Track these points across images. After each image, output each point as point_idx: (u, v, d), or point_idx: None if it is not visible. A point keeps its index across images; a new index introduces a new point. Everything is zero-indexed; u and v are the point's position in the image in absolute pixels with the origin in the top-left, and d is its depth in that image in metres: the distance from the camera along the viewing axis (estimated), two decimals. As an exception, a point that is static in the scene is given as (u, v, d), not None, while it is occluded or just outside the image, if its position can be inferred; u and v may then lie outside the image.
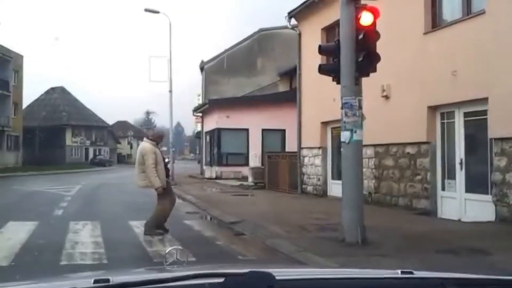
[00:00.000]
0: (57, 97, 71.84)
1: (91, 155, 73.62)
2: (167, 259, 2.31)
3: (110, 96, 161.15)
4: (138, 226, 11.01)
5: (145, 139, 10.54)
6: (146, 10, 29.53)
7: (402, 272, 1.99)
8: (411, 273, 1.99)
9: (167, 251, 2.38)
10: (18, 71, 55.25)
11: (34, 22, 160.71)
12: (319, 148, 18.02)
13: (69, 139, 69.29)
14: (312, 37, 17.51)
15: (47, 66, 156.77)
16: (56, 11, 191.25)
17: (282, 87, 31.01)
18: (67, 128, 68.74)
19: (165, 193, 10.25)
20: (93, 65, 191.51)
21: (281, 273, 1.87)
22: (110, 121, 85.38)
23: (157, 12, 29.61)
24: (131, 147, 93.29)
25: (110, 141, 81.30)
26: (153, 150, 9.93)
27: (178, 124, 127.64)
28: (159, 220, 10.17)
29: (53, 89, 73.53)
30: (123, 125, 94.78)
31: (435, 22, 12.68)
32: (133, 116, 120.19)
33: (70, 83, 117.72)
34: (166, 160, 11.42)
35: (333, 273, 2.22)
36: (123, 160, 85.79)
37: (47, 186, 24.53)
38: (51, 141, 62.39)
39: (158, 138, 10.43)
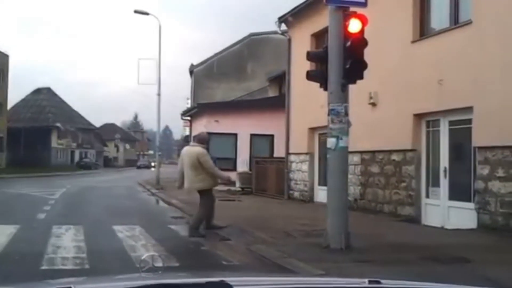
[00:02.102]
0: (44, 98, 70.56)
1: (77, 158, 72.91)
2: (142, 266, 2.29)
3: (98, 98, 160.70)
4: (121, 231, 10.95)
5: (193, 143, 11.24)
6: (136, 11, 29.47)
7: (369, 282, 1.97)
8: (378, 282, 1.97)
9: (142, 258, 2.36)
10: (3, 70, 54.68)
11: (23, 22, 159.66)
12: (307, 154, 18.08)
13: (54, 141, 68.09)
14: (301, 43, 17.58)
15: (34, 67, 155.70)
16: (46, 11, 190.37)
17: (272, 92, 31.04)
18: (53, 130, 67.60)
19: (209, 196, 10.85)
20: (81, 66, 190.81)
21: (240, 282, 1.85)
22: (98, 123, 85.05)
23: (147, 14, 29.58)
24: (118, 150, 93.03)
25: (96, 144, 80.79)
26: (207, 153, 10.72)
27: (167, 128, 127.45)
28: (201, 222, 10.70)
29: (39, 90, 72.23)
30: (110, 128, 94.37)
31: (423, 31, 12.80)
32: (121, 119, 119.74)
33: (58, 84, 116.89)
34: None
35: (297, 282, 2.20)
36: (110, 163, 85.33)
37: (31, 189, 24.27)
38: (37, 143, 61.31)
39: (205, 141, 11.07)
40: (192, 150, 10.86)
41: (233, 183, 10.77)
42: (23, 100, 70.21)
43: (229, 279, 1.74)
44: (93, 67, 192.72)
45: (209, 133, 28.81)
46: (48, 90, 73.04)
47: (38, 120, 66.18)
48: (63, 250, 8.81)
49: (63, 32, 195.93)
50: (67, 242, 9.61)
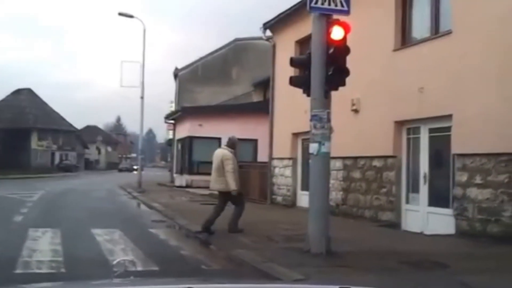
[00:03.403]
0: (24, 99, 68.93)
1: (57, 160, 71.88)
2: (115, 270, 2.30)
3: (80, 100, 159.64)
4: (100, 234, 10.85)
5: (223, 146, 11.70)
6: (120, 14, 29.34)
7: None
8: None
9: (115, 262, 2.36)
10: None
11: (4, 21, 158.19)
12: (290, 159, 18.17)
13: (34, 143, 66.88)
14: (286, 49, 17.70)
15: (15, 67, 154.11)
16: (28, 11, 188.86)
17: (256, 97, 31.11)
18: (32, 131, 66.33)
19: (242, 197, 11.42)
20: (64, 67, 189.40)
21: None
22: (80, 125, 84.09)
23: (132, 16, 29.48)
24: (100, 153, 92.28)
25: (78, 146, 79.84)
26: (232, 157, 11.01)
27: (150, 131, 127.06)
28: (238, 219, 11.13)
29: (19, 90, 70.55)
30: (92, 130, 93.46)
31: (405, 39, 12.99)
32: (103, 121, 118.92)
33: (39, 85, 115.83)
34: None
35: None
36: (91, 166, 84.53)
37: (9, 191, 23.94)
38: (16, 144, 60.11)
39: (234, 145, 11.38)
40: (220, 152, 11.34)
41: (236, 193, 11.10)
42: (3, 101, 68.20)
43: (196, 286, 1.76)
44: (76, 69, 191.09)
45: (192, 137, 29.33)
46: (29, 91, 71.49)
47: (18, 121, 64.49)
48: (39, 254, 8.72)
49: (46, 33, 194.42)
50: (43, 246, 9.51)
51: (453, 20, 11.21)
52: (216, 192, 11.87)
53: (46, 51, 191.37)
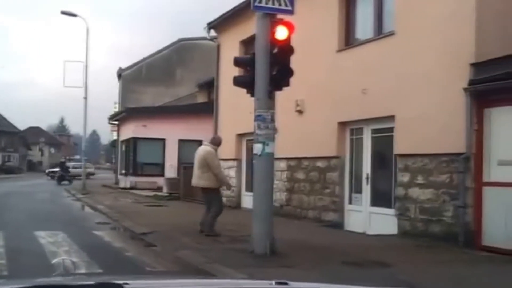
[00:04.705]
0: (-37, 99, 67.78)
1: (-1, 162, 70.20)
2: (55, 270, 2.23)
3: (22, 101, 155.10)
4: (44, 237, 10.66)
5: (205, 143, 11.82)
6: (63, 12, 28.69)
7: (276, 283, 1.99)
8: (285, 284, 2.00)
9: (52, 262, 2.31)
10: None
11: None
12: (234, 160, 18.11)
13: (-25, 145, 65.52)
14: (230, 49, 17.62)
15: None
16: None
17: (201, 99, 31.00)
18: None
19: (219, 196, 11.38)
20: (3, 66, 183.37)
21: (136, 284, 1.81)
22: (22, 126, 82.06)
23: (74, 15, 28.88)
24: (43, 154, 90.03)
25: (21, 148, 77.88)
26: (215, 154, 11.22)
27: (94, 132, 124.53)
28: (215, 220, 10.98)
29: (-42, 91, 69.32)
30: (35, 131, 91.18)
31: (348, 40, 13.11)
32: (46, 122, 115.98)
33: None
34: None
35: (201, 284, 2.17)
36: (34, 167, 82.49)
37: None
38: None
39: (217, 143, 11.55)
40: (202, 149, 11.43)
41: (231, 188, 11.12)
42: None
43: (124, 282, 1.71)
44: (16, 68, 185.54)
45: (136, 138, 28.92)
46: (-32, 91, 69.82)
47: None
48: (-20, 257, 8.46)
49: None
50: (-15, 249, 9.24)
51: (396, 21, 11.37)
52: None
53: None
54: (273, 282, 2.01)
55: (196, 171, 11.31)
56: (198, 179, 11.24)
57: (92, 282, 1.69)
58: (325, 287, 2.05)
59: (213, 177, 11.02)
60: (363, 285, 2.21)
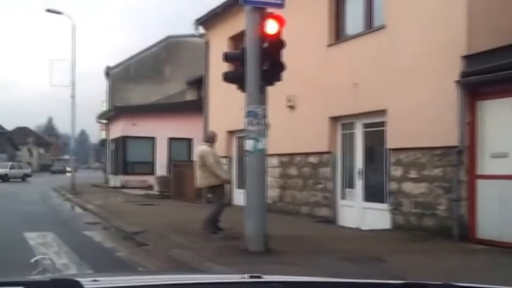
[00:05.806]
0: (-51, 99, 67.09)
1: (-14, 163, 69.54)
2: (35, 268, 2.16)
3: (9, 101, 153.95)
4: (33, 238, 10.53)
5: (201, 142, 11.86)
6: (48, 10, 28.40)
7: (250, 277, 2.00)
8: (259, 277, 2.00)
9: (31, 260, 2.24)
10: None
11: None
12: (225, 157, 17.98)
13: (-38, 145, 64.86)
14: (219, 45, 17.49)
15: None
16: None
17: (190, 96, 30.82)
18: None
19: (223, 192, 11.22)
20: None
21: (96, 281, 1.76)
22: (9, 126, 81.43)
23: (60, 13, 28.59)
24: (31, 155, 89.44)
25: (8, 148, 77.26)
26: (211, 151, 10.98)
27: (83, 132, 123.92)
28: (216, 218, 10.77)
29: None
30: (23, 132, 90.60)
31: (339, 35, 13.03)
32: (34, 122, 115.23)
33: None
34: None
35: (171, 280, 2.12)
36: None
37: None
38: None
39: (211, 140, 11.28)
40: (199, 149, 11.47)
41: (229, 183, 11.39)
42: None
43: (83, 279, 1.64)
44: (3, 69, 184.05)
45: (126, 137, 28.78)
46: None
47: None
48: (-33, 259, 8.30)
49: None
50: (-28, 250, 9.09)
51: (386, 15, 11.31)
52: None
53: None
54: (246, 276, 2.01)
55: (197, 171, 11.25)
56: (200, 179, 11.15)
57: (47, 279, 1.63)
58: (299, 279, 2.02)
59: (212, 175, 10.92)
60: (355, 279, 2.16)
